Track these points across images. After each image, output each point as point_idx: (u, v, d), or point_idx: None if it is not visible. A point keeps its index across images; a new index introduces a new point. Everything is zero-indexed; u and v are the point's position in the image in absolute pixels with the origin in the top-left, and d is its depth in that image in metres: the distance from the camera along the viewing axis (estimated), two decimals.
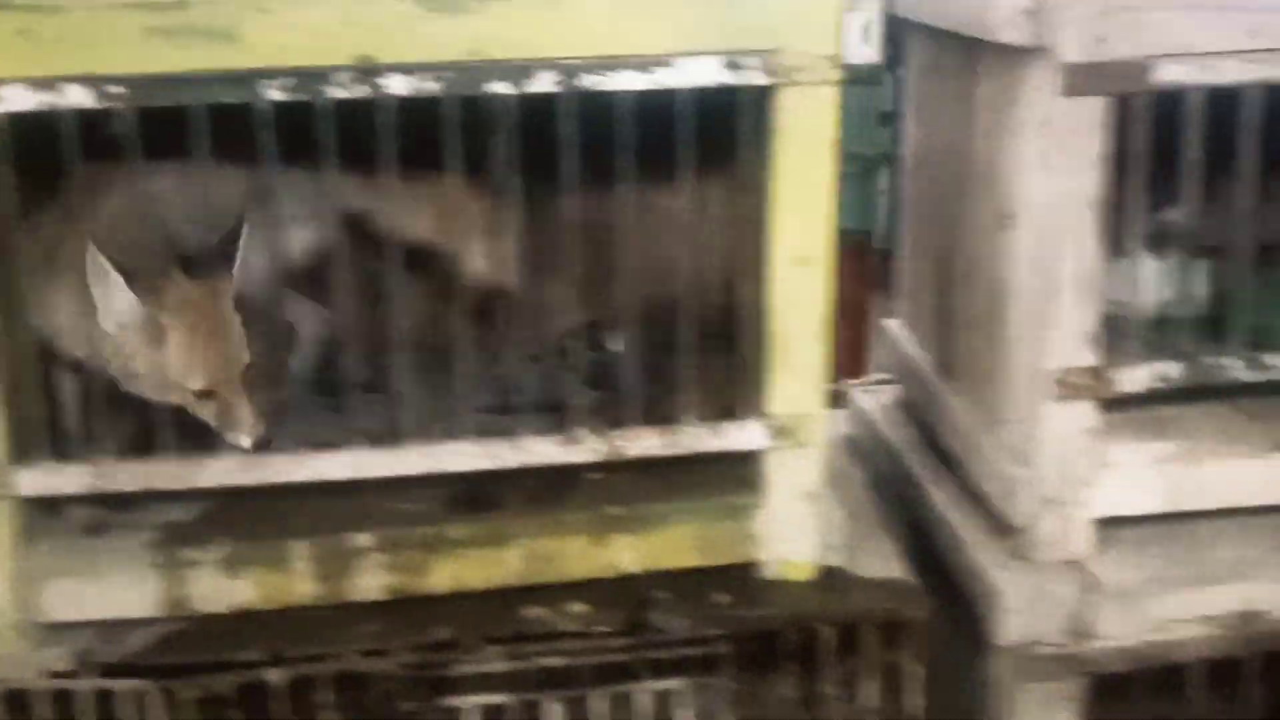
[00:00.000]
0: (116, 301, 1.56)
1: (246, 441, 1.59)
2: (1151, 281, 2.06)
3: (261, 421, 1.60)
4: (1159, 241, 2.08)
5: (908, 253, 2.26)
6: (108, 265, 1.53)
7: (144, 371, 1.60)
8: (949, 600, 1.85)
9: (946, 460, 2.02)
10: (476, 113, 1.54)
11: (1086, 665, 1.70)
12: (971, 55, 1.87)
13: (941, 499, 1.96)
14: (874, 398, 2.37)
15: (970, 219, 1.89)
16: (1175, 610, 1.69)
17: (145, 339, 1.58)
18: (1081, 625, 1.69)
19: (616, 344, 1.99)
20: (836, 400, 2.64)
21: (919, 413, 2.16)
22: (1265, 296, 1.92)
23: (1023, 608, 1.70)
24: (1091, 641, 1.69)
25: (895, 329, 2.29)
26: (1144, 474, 1.71)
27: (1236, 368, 1.69)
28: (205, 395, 1.59)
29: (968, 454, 1.91)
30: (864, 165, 2.67)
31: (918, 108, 2.19)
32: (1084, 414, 1.68)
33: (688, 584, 1.70)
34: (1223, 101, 1.62)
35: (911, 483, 2.06)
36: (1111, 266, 1.98)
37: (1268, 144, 1.66)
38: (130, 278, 1.55)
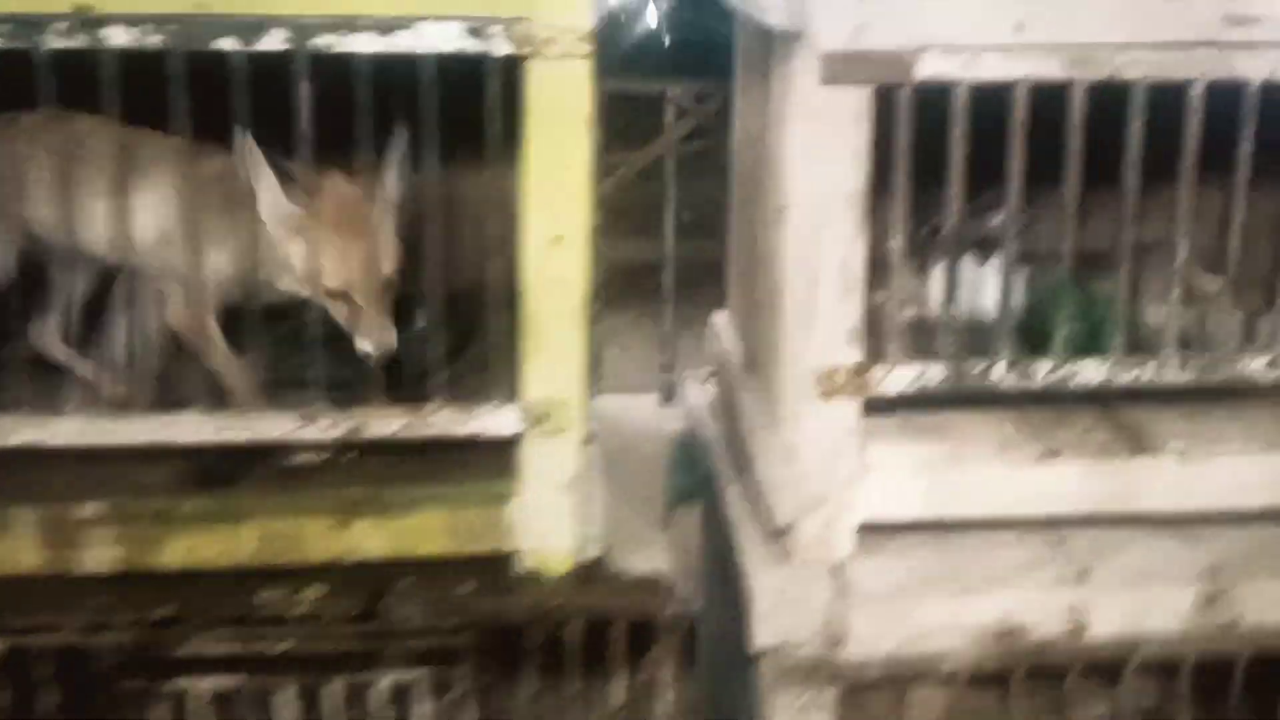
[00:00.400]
0: (268, 195, 1.61)
1: (370, 348, 1.63)
2: (972, 286, 2.01)
3: (390, 333, 1.63)
4: (983, 246, 2.03)
5: (730, 246, 2.21)
6: (262, 159, 1.59)
7: (292, 264, 1.64)
8: (734, 603, 1.79)
9: (743, 458, 1.96)
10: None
11: (840, 672, 1.64)
12: (767, 44, 1.82)
13: (731, 497, 1.90)
14: (703, 391, 2.31)
15: (760, 212, 1.83)
16: (934, 619, 1.64)
17: (293, 233, 1.62)
18: (835, 631, 1.63)
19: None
20: (669, 394, 2.58)
21: (728, 408, 2.11)
22: (1080, 305, 1.87)
23: (777, 611, 1.64)
24: (845, 648, 1.63)
25: (719, 321, 2.24)
26: (905, 478, 1.65)
27: (1000, 373, 1.64)
28: (340, 297, 1.63)
29: (753, 452, 1.85)
30: None
31: (738, 103, 2.13)
32: (846, 414, 1.63)
33: (437, 572, 1.64)
34: (1052, 104, 1.57)
35: (714, 480, 2.00)
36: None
37: (1098, 150, 1.60)
38: (284, 174, 1.61)
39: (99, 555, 1.59)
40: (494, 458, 1.65)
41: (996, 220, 1.86)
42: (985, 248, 2.03)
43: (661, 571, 1.68)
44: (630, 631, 1.62)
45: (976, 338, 1.86)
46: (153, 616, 1.55)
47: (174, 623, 1.56)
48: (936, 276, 1.97)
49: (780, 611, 1.64)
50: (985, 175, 1.63)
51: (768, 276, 1.80)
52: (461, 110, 1.54)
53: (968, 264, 2.02)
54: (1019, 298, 2.03)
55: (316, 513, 1.62)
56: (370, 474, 1.66)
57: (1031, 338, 1.78)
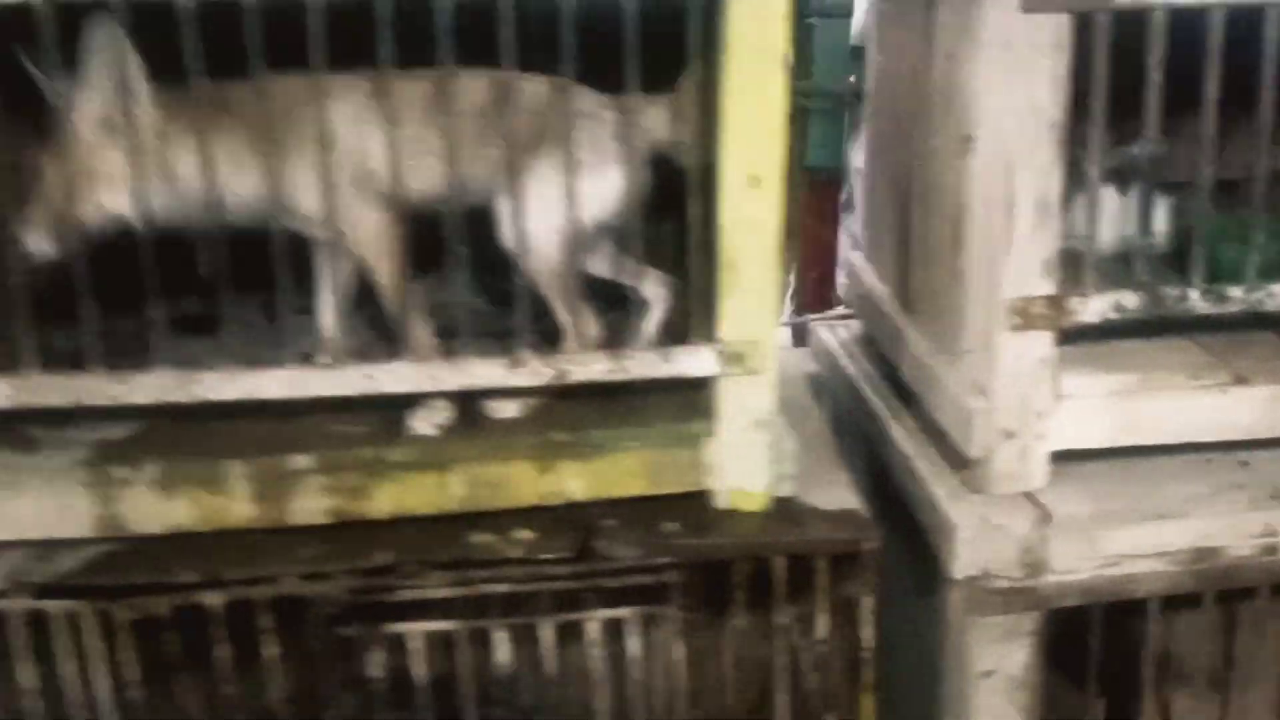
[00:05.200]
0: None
1: None
2: (1114, 216, 1.93)
3: None
4: (1122, 176, 1.95)
5: (868, 185, 2.12)
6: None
7: None
8: (907, 534, 1.72)
9: (905, 394, 1.89)
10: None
11: (1040, 599, 1.57)
12: None
13: (900, 433, 1.82)
14: (836, 333, 2.24)
15: (930, 145, 1.74)
16: (1128, 544, 1.57)
17: None
18: (1035, 558, 1.56)
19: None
20: (800, 336, 2.51)
21: (878, 346, 2.03)
22: (1226, 232, 1.78)
23: (976, 540, 1.57)
24: (1044, 575, 1.57)
25: (857, 262, 2.16)
26: (1097, 407, 1.57)
27: (1195, 299, 1.56)
28: None
29: (926, 387, 1.78)
30: (834, 102, 2.51)
31: (879, 36, 2.04)
32: (1041, 345, 1.55)
33: (637, 512, 1.57)
34: (1186, 36, 1.48)
35: (871, 417, 1.93)
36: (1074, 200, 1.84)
37: (1229, 78, 1.52)
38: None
39: (311, 506, 1.52)
40: (690, 398, 1.58)
41: (1139, 149, 1.79)
42: (1125, 178, 1.95)
43: (856, 505, 1.61)
44: (832, 565, 1.55)
45: (1124, 268, 1.78)
46: (368, 564, 1.49)
47: (389, 570, 1.49)
48: (1079, 206, 1.89)
49: (980, 541, 1.57)
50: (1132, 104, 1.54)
51: (942, 210, 1.72)
52: (654, 51, 1.47)
53: (1109, 194, 1.94)
54: (1165, 226, 1.96)
55: (521, 458, 1.55)
56: (571, 418, 1.59)
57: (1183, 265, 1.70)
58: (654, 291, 1.70)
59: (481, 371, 1.52)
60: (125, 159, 1.45)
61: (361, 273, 1.60)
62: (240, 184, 1.48)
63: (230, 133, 1.46)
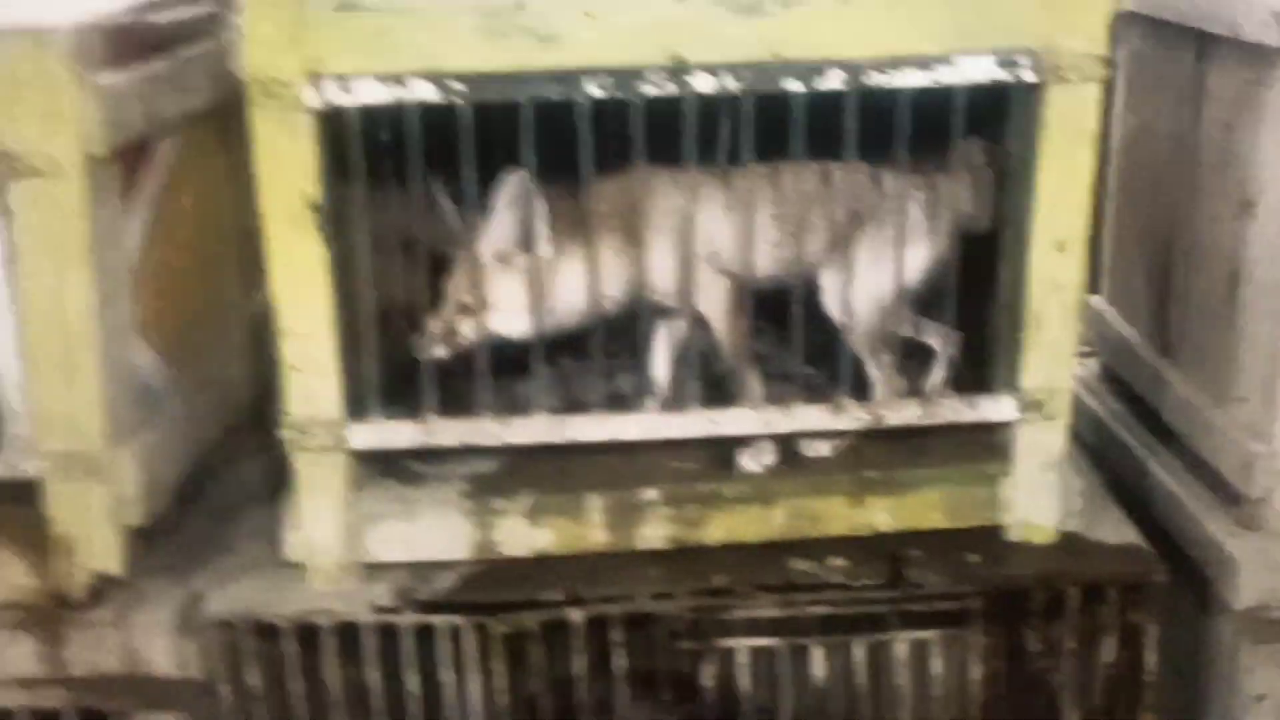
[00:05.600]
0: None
1: None
2: None
3: None
4: None
5: (1113, 233, 2.25)
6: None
7: None
8: (1169, 565, 1.85)
9: (1161, 432, 2.01)
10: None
11: None
12: (1200, 46, 1.85)
13: (1162, 470, 1.95)
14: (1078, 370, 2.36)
15: (1200, 206, 1.87)
16: None
17: None
18: None
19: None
20: None
21: (1128, 386, 2.16)
22: None
23: (1256, 574, 1.70)
24: None
25: (1099, 305, 2.28)
26: None
27: None
28: None
29: (1192, 428, 1.90)
30: None
31: (1128, 95, 2.17)
32: None
33: (938, 544, 1.73)
34: None
35: (1126, 453, 2.06)
36: None
37: None
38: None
39: (655, 533, 1.71)
40: (986, 440, 1.74)
41: None
42: None
43: (1138, 540, 1.74)
44: (1121, 595, 1.69)
45: None
46: (707, 586, 1.67)
47: (725, 592, 1.67)
48: None
49: (1260, 575, 1.70)
50: None
51: (1212, 266, 1.85)
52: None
53: None
54: None
55: (836, 493, 1.72)
56: (878, 458, 1.76)
57: None
58: (940, 343, 1.85)
59: (808, 417, 1.69)
60: (522, 291, 1.65)
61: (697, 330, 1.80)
62: (616, 285, 1.68)
63: (606, 243, 1.66)
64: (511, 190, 1.62)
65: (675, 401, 1.77)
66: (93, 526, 1.58)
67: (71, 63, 1.43)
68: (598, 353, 1.70)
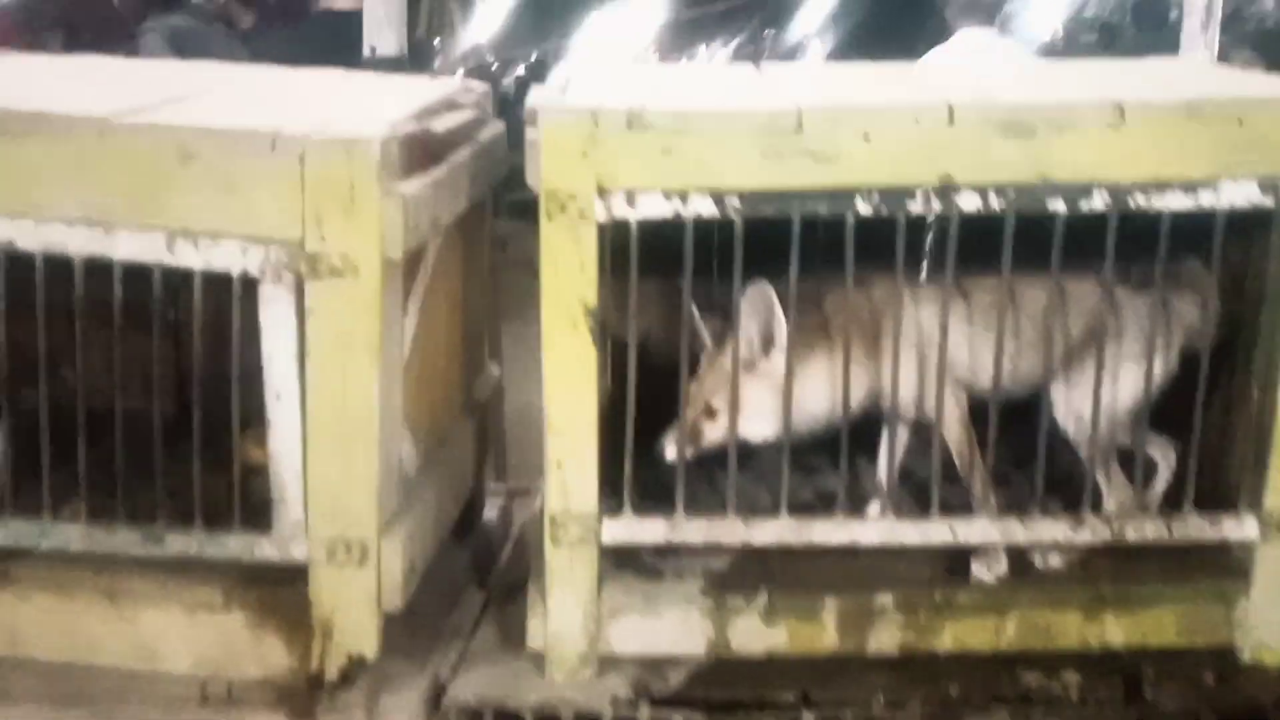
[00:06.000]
0: None
1: None
2: None
3: None
4: None
5: None
6: None
7: None
8: None
9: None
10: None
11: None
12: None
13: None
14: None
15: None
16: None
17: None
18: None
19: None
20: None
21: None
22: None
23: None
24: None
25: None
26: None
27: None
28: None
29: None
30: None
31: None
32: None
33: (1170, 661, 1.72)
34: None
35: None
36: None
37: None
38: None
39: (886, 639, 1.72)
40: (1216, 556, 1.73)
41: None
42: None
43: None
44: None
45: None
46: (942, 695, 1.68)
47: (961, 701, 1.67)
48: None
49: None
50: None
51: None
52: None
53: None
54: None
55: (1070, 607, 1.72)
56: (1111, 571, 1.76)
57: None
58: (1163, 454, 1.86)
59: (1048, 529, 1.70)
60: (768, 397, 1.69)
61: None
62: (856, 394, 1.71)
63: (844, 350, 1.69)
64: (756, 299, 1.66)
65: (897, 505, 1.79)
66: (354, 611, 1.63)
67: (379, 171, 1.50)
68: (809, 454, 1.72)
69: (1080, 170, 1.56)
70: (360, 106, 1.76)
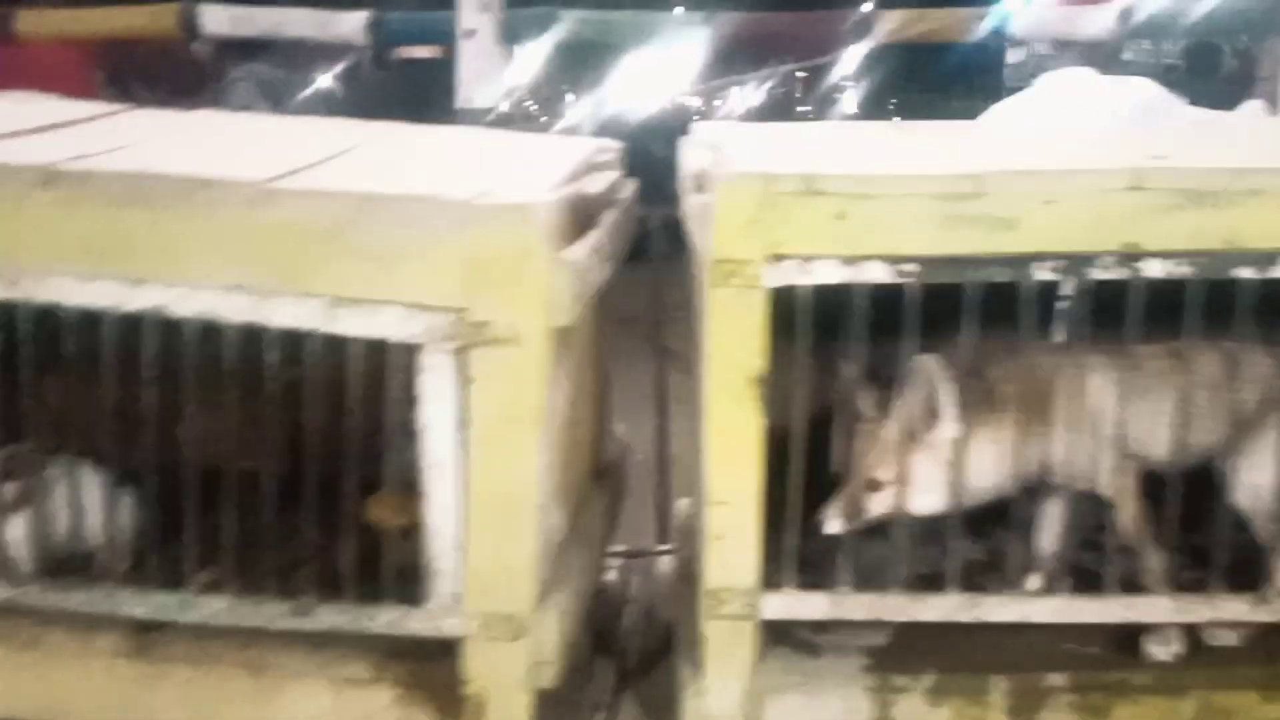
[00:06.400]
0: None
1: None
2: None
3: None
4: None
5: None
6: None
7: None
8: None
9: None
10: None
11: None
12: None
13: None
14: None
15: None
16: None
17: None
18: None
19: None
20: None
21: None
22: None
23: None
24: None
25: None
26: None
27: None
28: None
29: None
30: None
31: None
32: None
33: None
34: None
35: None
36: None
37: None
38: None
39: None
40: None
41: None
42: None
43: None
44: None
45: None
46: None
47: None
48: None
49: None
50: None
51: None
52: None
53: None
54: None
55: (1249, 687, 1.64)
56: None
57: None
58: None
59: (1228, 607, 1.62)
60: (934, 469, 1.62)
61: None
62: (1023, 464, 1.65)
63: (1015, 424, 1.63)
64: (923, 371, 1.61)
65: (1055, 579, 1.73)
66: (508, 687, 1.57)
67: (548, 237, 1.45)
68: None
69: (1270, 238, 1.50)
70: (512, 169, 1.72)
